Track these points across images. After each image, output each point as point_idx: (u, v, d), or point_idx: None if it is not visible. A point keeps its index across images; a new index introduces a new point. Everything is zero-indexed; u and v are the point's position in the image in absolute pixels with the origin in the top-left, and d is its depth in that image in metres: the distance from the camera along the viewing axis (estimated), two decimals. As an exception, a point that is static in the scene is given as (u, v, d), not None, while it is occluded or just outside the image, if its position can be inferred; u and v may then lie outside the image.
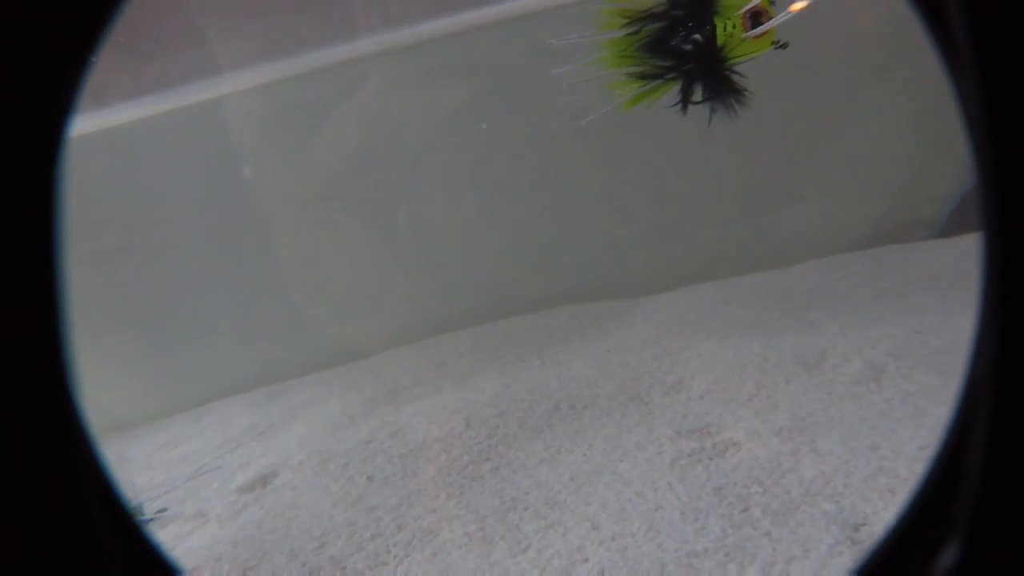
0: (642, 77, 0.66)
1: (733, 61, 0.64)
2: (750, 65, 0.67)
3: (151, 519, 0.75)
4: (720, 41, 0.64)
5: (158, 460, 1.01)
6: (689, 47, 0.64)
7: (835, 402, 0.66)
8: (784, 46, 0.64)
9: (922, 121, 1.09)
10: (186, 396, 1.33)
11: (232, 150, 1.18)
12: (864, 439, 0.56)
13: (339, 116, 1.17)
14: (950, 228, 1.17)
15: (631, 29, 0.65)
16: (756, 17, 0.64)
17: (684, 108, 0.67)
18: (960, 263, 0.99)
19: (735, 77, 0.65)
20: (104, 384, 1.28)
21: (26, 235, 0.20)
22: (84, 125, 1.13)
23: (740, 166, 1.18)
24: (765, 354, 0.79)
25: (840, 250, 1.13)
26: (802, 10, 0.65)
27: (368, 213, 1.29)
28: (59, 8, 0.21)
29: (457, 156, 1.29)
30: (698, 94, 0.66)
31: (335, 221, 1.29)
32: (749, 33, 0.63)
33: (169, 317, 1.33)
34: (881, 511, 0.47)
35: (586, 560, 0.49)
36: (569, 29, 0.70)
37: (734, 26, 0.63)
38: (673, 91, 0.66)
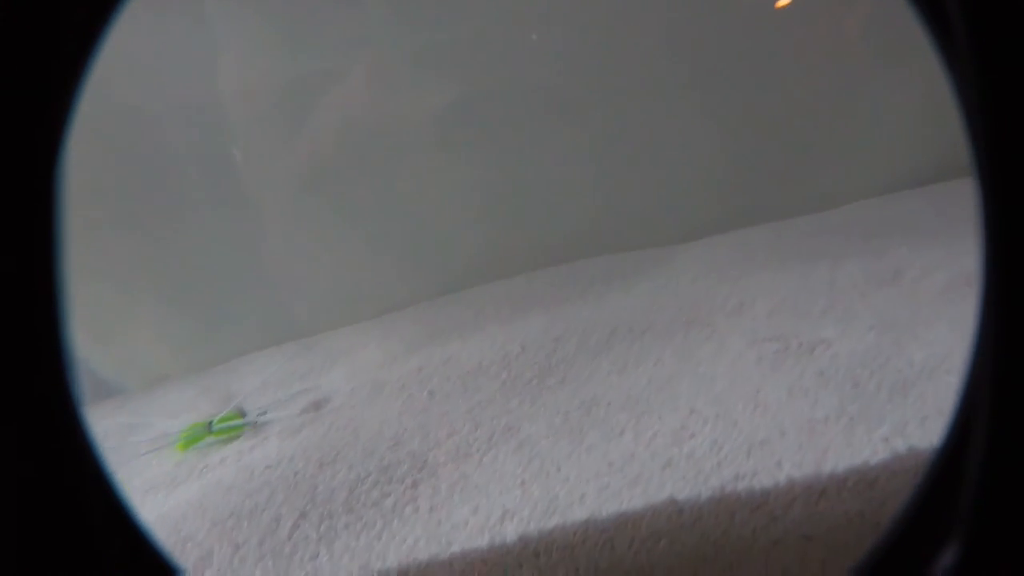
0: None
1: None
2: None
3: (254, 421, 0.74)
4: None
5: (203, 401, 0.99)
6: None
7: (925, 307, 0.62)
8: None
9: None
10: (219, 351, 1.31)
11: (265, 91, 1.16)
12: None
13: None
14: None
15: None
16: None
17: None
18: None
19: None
20: (141, 341, 1.27)
21: (26, 234, 0.20)
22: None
23: (788, 106, 1.15)
24: (832, 276, 0.76)
25: (899, 188, 1.10)
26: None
27: (397, 165, 1.27)
28: (59, 8, 0.20)
29: (490, 102, 1.26)
30: None
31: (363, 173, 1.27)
32: None
33: (198, 275, 1.31)
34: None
35: (693, 436, 0.46)
36: None
37: None
38: None
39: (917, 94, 1.17)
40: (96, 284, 1.22)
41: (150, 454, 0.74)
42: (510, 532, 0.40)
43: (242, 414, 0.76)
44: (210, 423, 0.74)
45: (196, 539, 0.47)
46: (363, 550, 0.42)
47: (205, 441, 0.74)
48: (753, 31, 1.19)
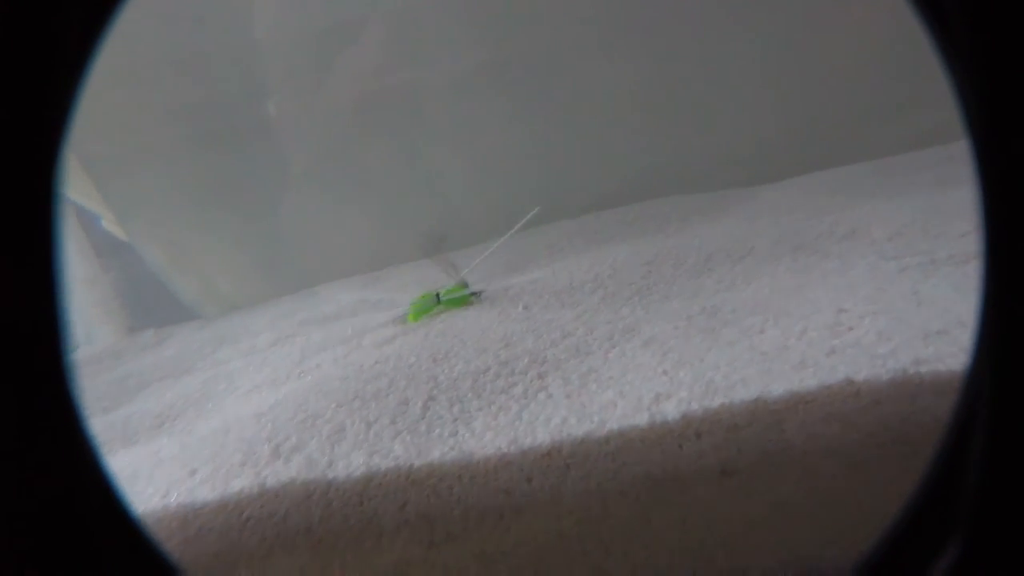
0: None
1: None
2: None
3: (478, 292, 0.77)
4: None
5: (282, 322, 0.98)
6: None
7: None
8: None
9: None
10: (286, 283, 1.32)
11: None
12: None
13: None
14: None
15: None
16: None
17: None
18: None
19: None
20: (214, 271, 1.28)
21: (26, 234, 0.20)
22: None
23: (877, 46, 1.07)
24: (967, 199, 0.70)
25: None
26: None
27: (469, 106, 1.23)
28: (59, 8, 0.20)
29: (555, 43, 1.20)
30: None
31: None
32: None
33: (269, 204, 1.31)
34: None
35: (851, 329, 0.42)
36: None
37: None
38: None
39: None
40: (173, 219, 1.24)
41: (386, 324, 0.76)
42: (671, 410, 0.37)
43: (465, 286, 0.78)
44: (437, 294, 0.77)
45: (324, 416, 0.46)
46: (506, 428, 0.40)
47: (435, 310, 0.76)
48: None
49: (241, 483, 0.39)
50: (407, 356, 0.55)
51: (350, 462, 0.39)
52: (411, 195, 1.29)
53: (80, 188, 1.19)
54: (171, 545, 0.38)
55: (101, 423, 0.70)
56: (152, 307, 1.22)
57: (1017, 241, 0.18)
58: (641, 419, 0.37)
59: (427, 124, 1.25)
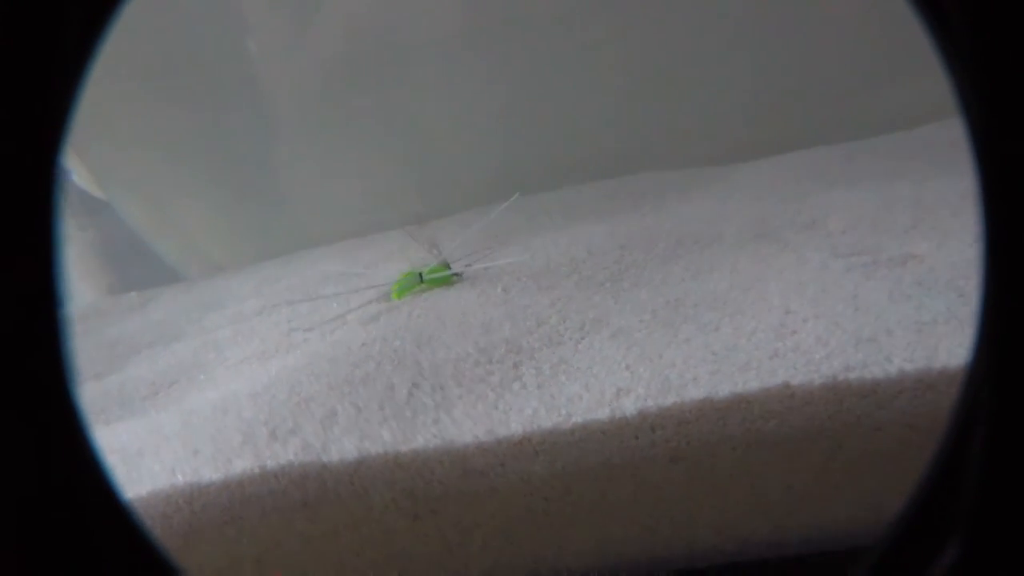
0: None
1: None
2: None
3: (460, 272, 0.77)
4: None
5: (266, 289, 1.00)
6: None
7: None
8: None
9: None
10: (268, 246, 1.32)
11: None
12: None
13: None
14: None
15: None
16: None
17: None
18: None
19: None
20: (197, 232, 1.28)
21: (25, 234, 0.20)
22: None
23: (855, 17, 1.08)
24: (917, 194, 0.74)
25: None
26: None
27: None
28: (59, 8, 0.19)
29: (535, 16, 1.19)
30: None
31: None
32: None
33: (253, 163, 1.30)
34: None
35: (795, 332, 0.47)
36: None
37: None
38: None
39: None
40: (153, 178, 1.22)
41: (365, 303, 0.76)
42: (629, 407, 0.42)
43: (448, 266, 0.78)
44: (420, 274, 0.77)
45: (317, 400, 0.50)
46: (483, 417, 0.44)
47: (417, 289, 0.77)
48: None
49: (242, 464, 0.42)
50: (392, 339, 0.58)
51: (342, 446, 0.43)
52: (396, 160, 1.29)
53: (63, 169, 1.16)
54: (178, 519, 0.42)
55: (95, 388, 0.72)
56: (132, 267, 1.22)
57: (1017, 242, 0.19)
58: (603, 413, 0.41)
59: (410, 86, 1.23)
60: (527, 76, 1.23)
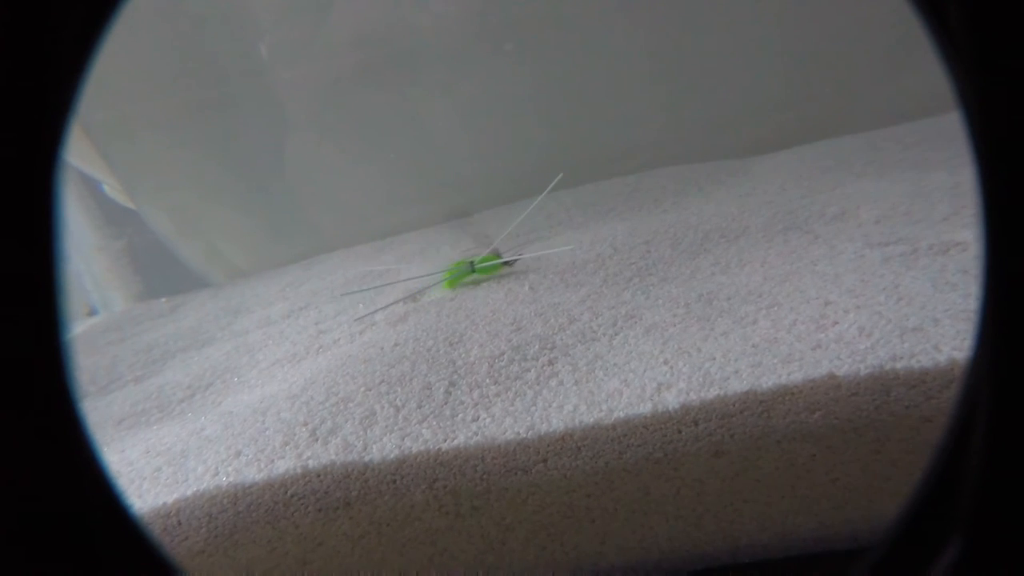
0: None
1: None
2: None
3: (511, 262, 0.76)
4: None
5: (291, 293, 1.01)
6: None
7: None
8: None
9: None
10: (290, 251, 1.34)
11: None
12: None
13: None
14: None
15: None
16: None
17: None
18: None
19: None
20: (221, 239, 1.29)
21: (25, 234, 0.20)
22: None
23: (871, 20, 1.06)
24: (954, 181, 0.72)
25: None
26: None
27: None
28: (59, 8, 0.19)
29: (549, 17, 1.18)
30: None
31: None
32: None
33: (272, 175, 1.31)
34: None
35: (836, 323, 0.46)
36: None
37: None
38: None
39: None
40: (179, 186, 1.24)
41: (416, 293, 0.76)
42: (671, 401, 0.41)
43: (499, 255, 0.78)
44: (472, 263, 0.77)
45: (355, 400, 0.50)
46: (523, 414, 0.44)
47: (470, 279, 0.77)
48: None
49: (285, 464, 0.43)
50: (424, 339, 0.58)
51: (383, 445, 0.43)
52: (414, 160, 1.29)
53: (83, 154, 1.18)
54: (223, 519, 0.43)
55: (136, 392, 0.73)
56: (160, 274, 1.24)
57: (1018, 243, 0.19)
58: (645, 408, 0.41)
59: (423, 87, 1.24)
60: (541, 76, 1.23)
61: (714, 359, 0.45)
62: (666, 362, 0.46)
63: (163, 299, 1.11)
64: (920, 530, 0.22)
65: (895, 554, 0.23)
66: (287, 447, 0.45)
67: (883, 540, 0.23)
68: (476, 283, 0.75)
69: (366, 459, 0.42)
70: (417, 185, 1.29)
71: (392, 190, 1.29)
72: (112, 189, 1.24)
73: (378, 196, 1.30)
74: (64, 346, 0.20)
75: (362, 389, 0.50)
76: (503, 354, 0.53)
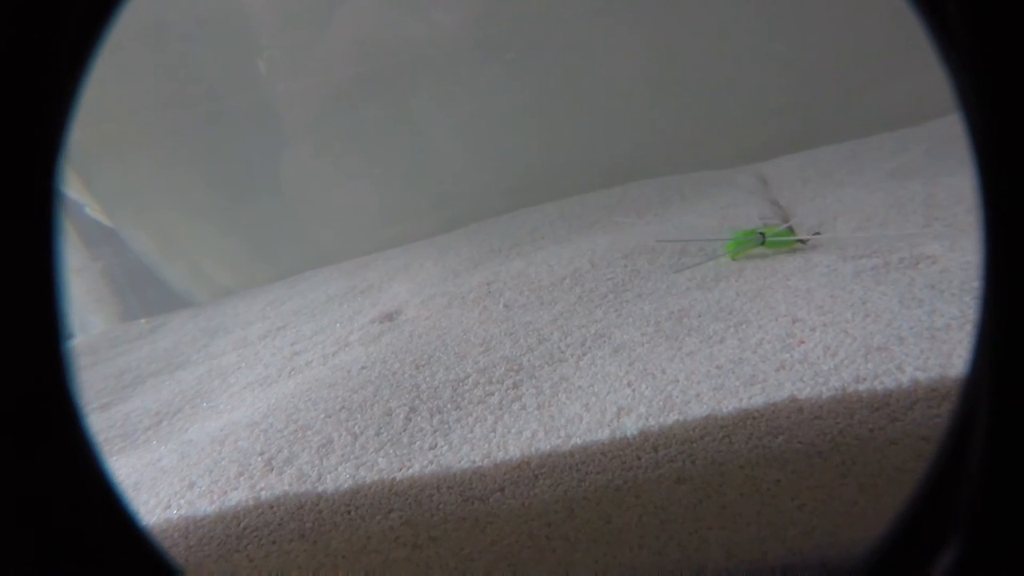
0: None
1: None
2: None
3: (806, 239, 0.68)
4: None
5: (272, 312, 1.01)
6: None
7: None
8: None
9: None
10: (275, 268, 1.33)
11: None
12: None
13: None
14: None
15: None
16: None
17: None
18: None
19: None
20: (204, 258, 1.29)
21: (25, 235, 0.20)
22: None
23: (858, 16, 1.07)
24: (929, 191, 0.72)
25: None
26: None
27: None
28: (59, 8, 0.19)
29: (541, 26, 1.19)
30: None
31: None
32: None
33: (248, 198, 1.31)
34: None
35: (802, 343, 0.46)
36: None
37: None
38: None
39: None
40: (160, 206, 1.23)
41: (701, 263, 0.70)
42: (630, 427, 0.41)
43: (792, 231, 0.72)
44: (763, 234, 0.70)
45: (313, 428, 0.49)
46: (481, 441, 0.43)
47: (755, 250, 0.70)
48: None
49: (238, 496, 0.42)
50: (391, 361, 0.58)
51: (338, 475, 0.42)
52: (398, 181, 1.29)
53: (63, 176, 1.18)
54: (174, 554, 0.42)
55: (101, 420, 0.73)
56: (142, 294, 1.23)
57: (1018, 244, 0.19)
58: (603, 434, 0.40)
59: (409, 106, 1.24)
60: (528, 88, 1.23)
61: (677, 381, 0.44)
62: (629, 384, 0.46)
63: (143, 320, 1.10)
64: (919, 530, 0.22)
65: (895, 554, 0.23)
66: (241, 478, 0.44)
67: (883, 540, 0.23)
68: (764, 257, 0.69)
69: (319, 489, 0.41)
70: (408, 199, 1.29)
71: (383, 204, 1.29)
72: (94, 210, 1.24)
73: (361, 215, 1.30)
74: (65, 346, 0.21)
75: (322, 416, 0.49)
76: (468, 377, 0.52)
